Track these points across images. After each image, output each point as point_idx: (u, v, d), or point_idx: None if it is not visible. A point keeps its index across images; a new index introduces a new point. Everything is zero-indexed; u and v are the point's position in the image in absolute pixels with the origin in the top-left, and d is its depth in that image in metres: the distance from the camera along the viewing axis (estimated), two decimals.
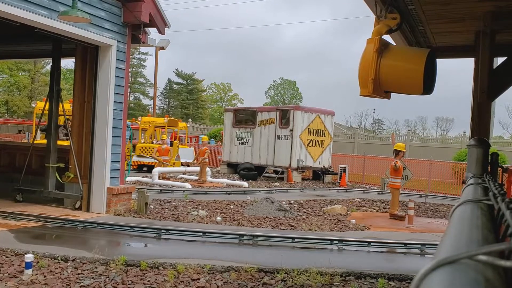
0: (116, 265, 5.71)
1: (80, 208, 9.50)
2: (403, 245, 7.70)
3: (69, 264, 5.76)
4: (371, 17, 5.00)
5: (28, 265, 5.22)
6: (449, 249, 0.70)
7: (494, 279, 0.56)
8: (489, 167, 3.79)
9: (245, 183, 16.69)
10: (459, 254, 0.58)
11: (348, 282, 5.68)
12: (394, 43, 5.42)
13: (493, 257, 0.57)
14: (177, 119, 25.92)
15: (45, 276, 5.24)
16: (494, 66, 4.92)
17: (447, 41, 6.25)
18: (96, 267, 5.66)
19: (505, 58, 4.91)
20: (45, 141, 10.84)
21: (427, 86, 4.66)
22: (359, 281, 5.76)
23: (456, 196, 15.95)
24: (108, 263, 5.79)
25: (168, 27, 10.19)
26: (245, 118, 22.00)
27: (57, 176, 9.86)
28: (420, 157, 23.69)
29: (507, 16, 4.73)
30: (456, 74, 63.06)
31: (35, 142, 11.04)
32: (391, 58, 4.67)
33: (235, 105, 65.33)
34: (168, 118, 23.89)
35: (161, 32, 10.09)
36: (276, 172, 20.34)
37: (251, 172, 19.71)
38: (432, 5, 4.79)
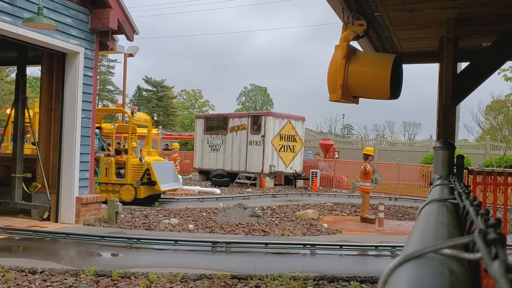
0: (87, 275, 5.60)
1: (48, 219, 9.26)
2: (374, 247, 7.82)
3: (37, 276, 5.61)
4: (341, 24, 5.08)
5: None
6: (416, 245, 0.72)
7: (458, 271, 0.59)
8: (455, 169, 3.90)
9: (217, 190, 16.63)
10: (425, 248, 0.60)
11: (321, 286, 5.72)
12: (361, 49, 5.52)
13: (458, 250, 0.60)
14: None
15: None
16: (458, 71, 5.07)
17: (413, 47, 6.41)
18: (65, 279, 5.53)
19: (468, 63, 5.06)
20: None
21: (394, 91, 4.76)
22: (332, 284, 5.81)
23: (424, 198, 16.26)
24: (78, 274, 5.67)
25: (137, 34, 10.11)
26: (217, 124, 21.95)
27: (24, 186, 9.60)
28: (388, 160, 24.13)
29: (469, 23, 4.90)
30: (423, 79, 64.63)
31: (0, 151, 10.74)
32: (359, 64, 4.75)
33: (206, 112, 65.13)
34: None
35: (129, 39, 10.00)
36: (248, 178, 20.34)
37: (223, 178, 19.65)
38: (397, 12, 4.90)
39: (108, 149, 14.54)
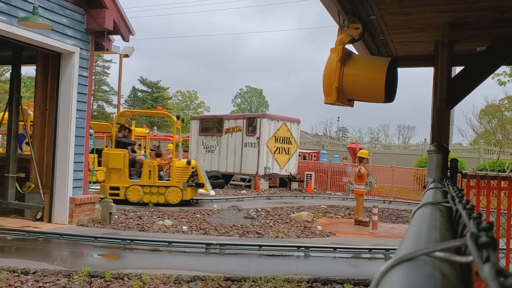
0: (80, 276, 5.57)
1: (41, 219, 9.22)
2: (368, 250, 7.83)
3: (29, 277, 5.58)
4: (336, 27, 5.09)
5: None
6: (409, 248, 0.72)
7: (450, 274, 0.59)
8: (448, 173, 3.91)
9: (212, 192, 16.60)
10: (417, 251, 0.60)
11: None
12: (356, 52, 5.53)
13: (450, 253, 0.60)
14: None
15: None
16: (453, 75, 5.09)
17: (408, 50, 6.43)
18: (58, 279, 5.50)
19: (462, 67, 5.08)
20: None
21: (389, 94, 4.77)
22: (326, 287, 5.82)
23: (418, 202, 16.27)
24: (71, 274, 5.64)
25: (133, 35, 10.09)
26: (212, 126, 21.93)
27: (17, 186, 9.55)
28: (383, 163, 24.19)
29: (464, 27, 4.92)
30: (417, 83, 64.89)
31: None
32: (354, 67, 4.77)
33: (201, 113, 65.09)
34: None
35: (125, 39, 9.98)
36: (243, 180, 20.33)
37: (218, 180, 19.62)
38: (392, 16, 4.92)
39: (135, 151, 14.60)
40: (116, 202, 11.94)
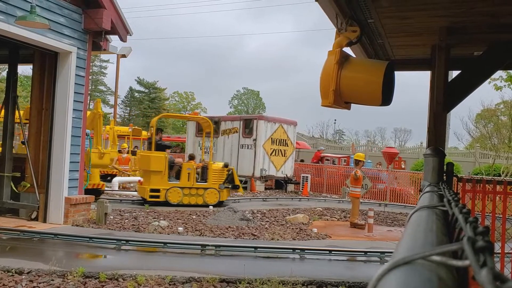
0: (74, 277, 5.55)
1: (36, 219, 9.19)
2: (363, 253, 7.84)
3: (23, 276, 5.55)
4: (334, 29, 5.10)
5: None
6: (405, 251, 0.72)
7: (447, 278, 0.59)
8: (444, 177, 3.92)
9: None
10: (414, 255, 0.60)
11: None
12: (354, 55, 5.54)
13: (446, 257, 0.60)
14: (140, 128, 25.33)
15: None
16: (449, 79, 5.10)
17: (405, 54, 6.45)
18: (52, 280, 5.48)
19: (459, 71, 5.10)
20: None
21: (386, 97, 4.78)
22: None
23: (414, 205, 16.32)
24: (66, 275, 5.62)
25: (130, 35, 10.08)
26: None
27: (12, 185, 9.51)
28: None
29: (461, 31, 4.94)
30: (414, 87, 65.04)
31: None
32: (351, 70, 4.77)
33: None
34: (133, 127, 23.52)
35: (122, 39, 9.97)
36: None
37: None
38: (390, 19, 4.93)
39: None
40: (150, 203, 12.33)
